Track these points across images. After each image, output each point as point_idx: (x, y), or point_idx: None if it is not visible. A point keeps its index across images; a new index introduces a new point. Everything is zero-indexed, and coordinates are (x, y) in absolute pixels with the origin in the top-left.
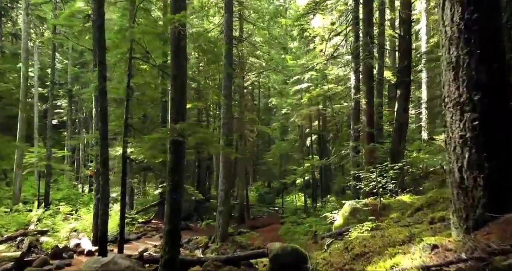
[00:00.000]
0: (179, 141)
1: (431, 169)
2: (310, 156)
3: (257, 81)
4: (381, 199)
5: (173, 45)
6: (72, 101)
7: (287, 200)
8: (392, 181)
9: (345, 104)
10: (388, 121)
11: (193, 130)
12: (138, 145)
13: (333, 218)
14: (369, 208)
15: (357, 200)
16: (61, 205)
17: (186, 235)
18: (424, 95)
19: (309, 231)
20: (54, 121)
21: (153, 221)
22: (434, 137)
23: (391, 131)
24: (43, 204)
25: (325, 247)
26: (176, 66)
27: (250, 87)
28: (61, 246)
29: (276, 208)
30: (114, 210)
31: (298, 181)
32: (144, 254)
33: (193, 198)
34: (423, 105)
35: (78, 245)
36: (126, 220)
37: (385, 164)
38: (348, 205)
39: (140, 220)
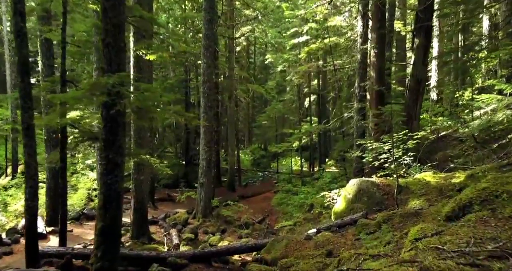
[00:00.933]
0: (112, 103)
1: (443, 133)
2: (308, 118)
3: (252, 37)
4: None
5: None
6: None
7: (283, 164)
8: (410, 154)
9: (348, 60)
10: (398, 78)
11: (131, 87)
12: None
13: (332, 198)
14: (380, 189)
15: (364, 178)
16: None
17: (167, 207)
18: (435, 49)
19: (305, 204)
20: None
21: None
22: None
23: (401, 91)
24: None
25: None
26: None
27: (244, 43)
28: (9, 226)
29: (271, 173)
30: (83, 180)
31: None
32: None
33: (183, 162)
34: (434, 62)
35: None
36: (94, 193)
37: (404, 132)
38: (353, 183)
39: None
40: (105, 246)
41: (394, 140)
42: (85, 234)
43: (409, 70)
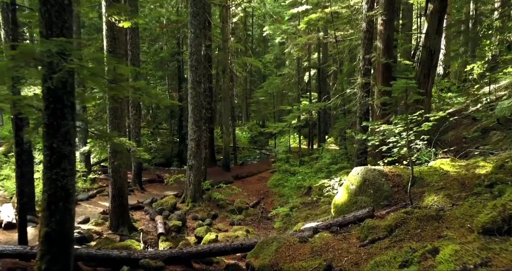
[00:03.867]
0: (54, 77)
1: (451, 110)
2: (308, 94)
3: (250, 7)
4: (405, 167)
5: None
6: None
7: (281, 141)
8: (423, 137)
9: (351, 31)
10: (405, 50)
11: (81, 55)
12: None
13: (332, 187)
14: (389, 180)
15: (369, 166)
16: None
17: (156, 189)
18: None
19: (302, 186)
20: None
21: None
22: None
23: (407, 65)
24: None
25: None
26: None
27: (241, 14)
28: None
29: (268, 151)
30: None
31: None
32: None
33: (177, 139)
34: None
35: None
36: (77, 175)
37: (419, 112)
38: (357, 172)
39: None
40: (52, 257)
41: (408, 121)
42: None
43: (413, 43)
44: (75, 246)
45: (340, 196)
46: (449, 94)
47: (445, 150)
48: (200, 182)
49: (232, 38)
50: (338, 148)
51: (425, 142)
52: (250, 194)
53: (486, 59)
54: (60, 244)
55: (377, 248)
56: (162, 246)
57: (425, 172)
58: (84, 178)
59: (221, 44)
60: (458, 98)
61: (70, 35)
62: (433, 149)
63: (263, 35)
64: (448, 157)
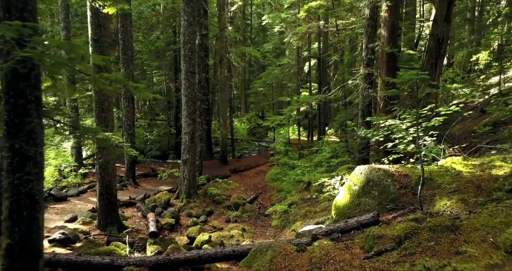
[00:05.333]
0: (17, 68)
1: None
2: (308, 85)
3: None
4: (413, 166)
5: None
6: None
7: (281, 133)
8: (432, 133)
9: (352, 19)
10: (409, 39)
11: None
12: None
13: (333, 187)
14: (396, 181)
15: (373, 165)
16: None
17: (150, 184)
18: None
19: (302, 181)
20: None
21: (117, 164)
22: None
23: (411, 55)
24: None
25: None
26: None
27: (240, 3)
28: None
29: (268, 143)
30: (54, 153)
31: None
32: None
33: (174, 131)
34: None
35: None
36: (67, 170)
37: (430, 106)
38: (360, 172)
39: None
40: None
41: (418, 116)
42: (49, 221)
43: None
44: (58, 249)
45: (342, 197)
46: (454, 85)
47: (455, 146)
48: (195, 177)
49: (230, 27)
50: (338, 140)
51: (434, 138)
52: (247, 188)
53: (491, 48)
54: (25, 259)
55: (384, 262)
56: (150, 250)
57: (435, 171)
58: (75, 173)
59: (218, 33)
60: (464, 90)
61: (33, 20)
62: (443, 145)
63: (262, 24)
64: (458, 154)
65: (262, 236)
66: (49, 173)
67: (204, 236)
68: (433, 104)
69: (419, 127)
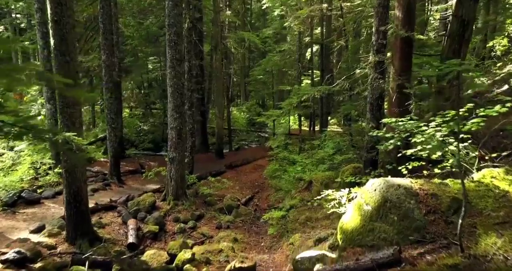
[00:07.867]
0: None
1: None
2: (310, 72)
3: None
4: (442, 182)
5: None
6: None
7: (281, 123)
8: (463, 136)
9: (358, 1)
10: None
11: None
12: None
13: (339, 202)
14: (421, 203)
15: (391, 179)
16: None
17: (136, 182)
18: None
19: (302, 179)
20: None
21: (102, 159)
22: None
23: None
24: None
25: None
26: None
27: None
28: None
29: (267, 134)
30: (27, 150)
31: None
32: None
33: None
34: None
35: None
36: (43, 167)
37: (468, 106)
38: (374, 188)
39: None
40: None
41: (459, 122)
42: (12, 230)
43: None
44: None
45: (350, 218)
46: (470, 74)
47: (493, 155)
48: (183, 177)
49: (229, 11)
50: (341, 131)
51: (467, 143)
52: (243, 187)
53: (506, 33)
54: None
55: None
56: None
57: (472, 191)
58: (51, 171)
59: (213, 16)
60: (481, 79)
61: None
62: (476, 153)
63: (263, 8)
64: (496, 165)
65: (256, 247)
66: (23, 172)
67: (186, 254)
68: (472, 104)
69: (459, 136)
